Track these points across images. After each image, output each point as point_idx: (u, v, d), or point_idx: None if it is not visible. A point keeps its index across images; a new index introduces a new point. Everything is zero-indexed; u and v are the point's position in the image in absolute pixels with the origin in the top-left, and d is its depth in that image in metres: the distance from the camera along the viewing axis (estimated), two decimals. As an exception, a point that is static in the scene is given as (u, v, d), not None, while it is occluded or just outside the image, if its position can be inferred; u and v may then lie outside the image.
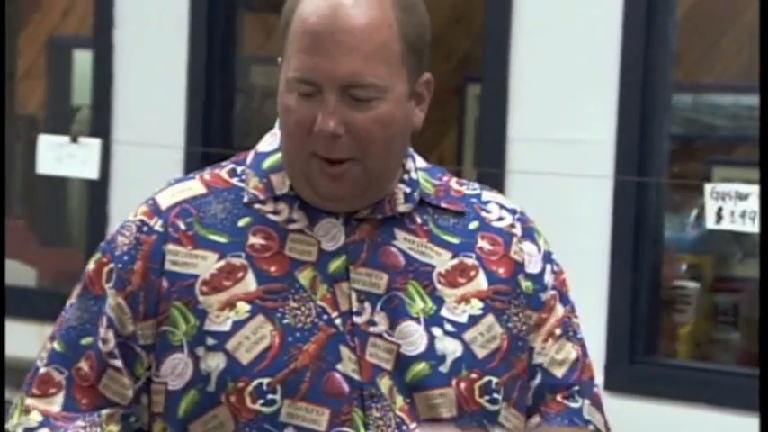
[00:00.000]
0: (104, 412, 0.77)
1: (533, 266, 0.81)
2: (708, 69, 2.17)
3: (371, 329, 0.75)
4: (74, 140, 1.81)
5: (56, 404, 0.76)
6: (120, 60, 1.89)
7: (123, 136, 1.82)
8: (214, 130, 1.80)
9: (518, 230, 0.82)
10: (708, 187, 1.63)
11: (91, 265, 0.79)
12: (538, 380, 0.79)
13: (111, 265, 0.76)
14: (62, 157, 1.81)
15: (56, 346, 0.77)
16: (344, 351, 0.74)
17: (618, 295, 1.75)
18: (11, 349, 1.94)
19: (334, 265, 0.76)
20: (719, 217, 1.62)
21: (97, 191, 1.84)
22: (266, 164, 0.79)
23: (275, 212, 0.78)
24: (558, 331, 0.81)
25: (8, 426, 0.79)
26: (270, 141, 0.81)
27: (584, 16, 1.71)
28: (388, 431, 0.76)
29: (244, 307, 0.75)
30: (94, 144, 1.79)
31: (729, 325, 2.00)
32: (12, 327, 2.00)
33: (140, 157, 1.78)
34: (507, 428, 0.79)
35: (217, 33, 1.85)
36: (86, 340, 0.76)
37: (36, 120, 2.74)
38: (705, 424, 1.73)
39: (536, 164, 1.72)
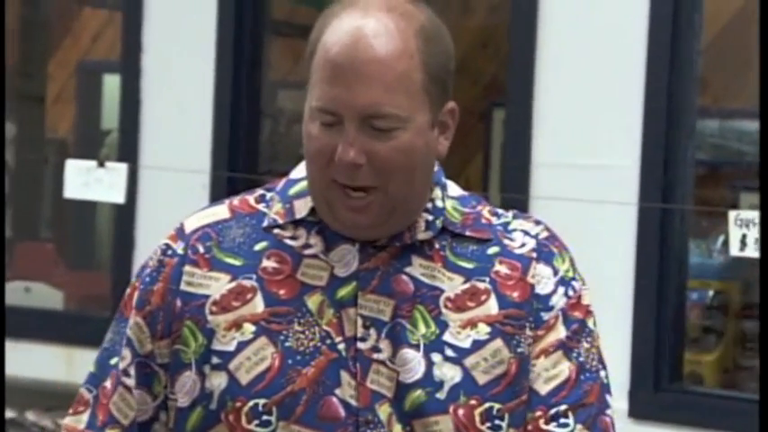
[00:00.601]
0: None
1: (543, 288, 0.78)
2: (735, 95, 2.18)
3: (375, 356, 0.74)
4: (101, 165, 1.80)
5: (82, 422, 0.77)
6: (148, 85, 1.90)
7: (150, 160, 1.83)
8: (240, 154, 1.80)
9: (536, 254, 0.80)
10: (732, 214, 1.61)
11: (128, 290, 0.80)
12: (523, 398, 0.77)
13: (139, 290, 0.77)
14: (89, 181, 1.81)
15: (92, 367, 0.80)
16: (344, 376, 0.74)
17: (642, 322, 1.72)
18: (38, 373, 1.91)
19: (344, 290, 0.75)
20: (744, 244, 1.60)
21: (124, 215, 1.85)
22: (293, 190, 0.79)
23: (293, 237, 0.78)
24: (552, 349, 0.77)
25: None
26: (301, 169, 0.80)
27: (608, 42, 1.70)
28: None
29: (249, 328, 0.75)
30: (121, 168, 1.79)
31: (756, 352, 1.89)
32: (39, 350, 2.01)
33: (167, 181, 1.78)
34: None
35: (244, 58, 1.86)
36: (113, 360, 0.77)
37: (66, 143, 2.74)
38: None
39: (560, 189, 1.69)
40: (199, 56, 1.84)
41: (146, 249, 1.51)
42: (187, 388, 0.77)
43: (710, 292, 1.90)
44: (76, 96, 2.75)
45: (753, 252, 1.63)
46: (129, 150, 1.88)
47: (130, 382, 0.77)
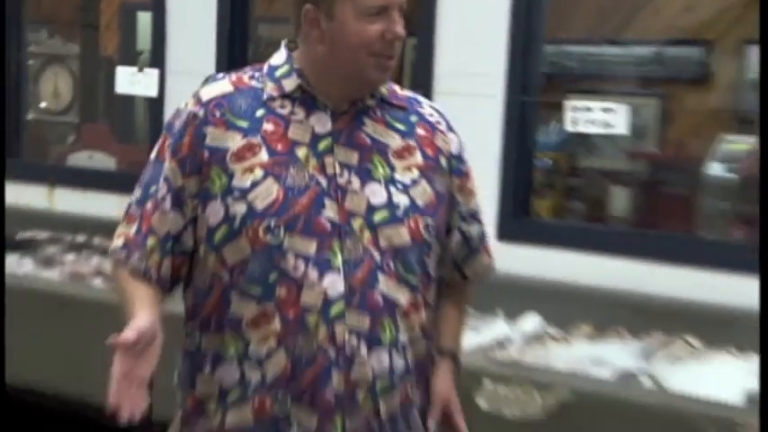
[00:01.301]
0: (149, 243, 0.97)
1: (455, 149, 1.03)
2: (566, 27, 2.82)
3: (350, 187, 0.95)
4: (140, 70, 2.50)
5: (132, 230, 0.98)
6: (172, 20, 2.53)
7: (173, 68, 2.48)
8: (235, 63, 2.37)
9: (443, 125, 1.04)
10: (568, 103, 2.21)
11: (160, 140, 1.01)
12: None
13: (170, 140, 0.98)
14: (133, 81, 2.49)
15: (136, 192, 1.01)
16: (328, 202, 0.94)
17: (507, 178, 2.24)
18: (101, 212, 2.64)
19: (323, 144, 0.96)
20: (574, 123, 2.21)
21: (156, 105, 2.51)
22: (278, 73, 0.99)
23: (282, 107, 0.97)
24: (468, 189, 1.06)
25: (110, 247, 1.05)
26: (278, 58, 1.02)
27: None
28: (356, 254, 0.96)
29: (259, 172, 0.94)
30: (154, 73, 2.47)
31: (577, 200, 2.69)
32: (99, 197, 2.69)
33: (185, 82, 2.41)
34: (433, 256, 1.03)
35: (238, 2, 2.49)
36: (152, 189, 0.97)
37: (112, 60, 3.52)
38: (556, 259, 2.23)
39: (456, 89, 2.25)
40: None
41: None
42: (215, 212, 0.95)
43: (549, 160, 2.63)
44: (119, 27, 3.54)
45: (581, 129, 2.30)
46: (158, 62, 2.52)
47: (166, 206, 0.96)
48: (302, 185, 0.97)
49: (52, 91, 3.13)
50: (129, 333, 0.85)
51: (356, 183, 0.98)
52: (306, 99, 0.99)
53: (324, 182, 0.97)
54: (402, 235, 0.97)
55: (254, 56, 2.52)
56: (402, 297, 0.98)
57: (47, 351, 2.22)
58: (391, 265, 0.98)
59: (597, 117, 2.12)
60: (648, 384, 1.84)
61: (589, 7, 3.02)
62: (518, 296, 2.22)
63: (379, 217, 0.97)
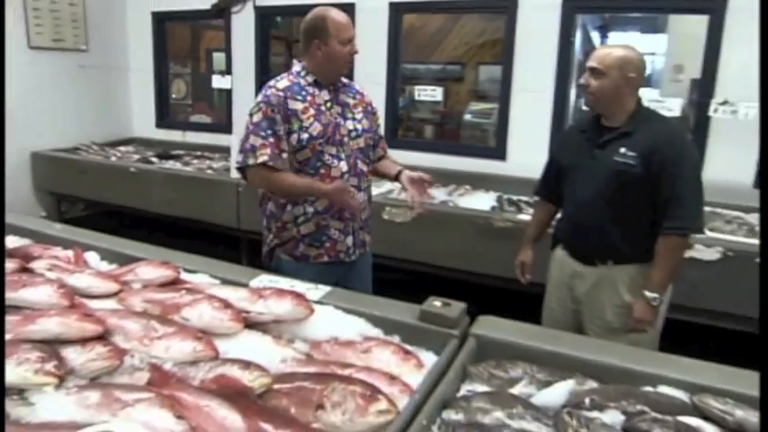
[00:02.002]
0: (284, 156, 1.98)
1: (371, 103, 2.17)
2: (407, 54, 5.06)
3: (341, 122, 2.04)
4: (222, 76, 4.58)
5: (267, 151, 1.94)
6: (235, 54, 4.70)
7: (236, 74, 4.62)
8: (262, 69, 4.57)
9: (365, 94, 2.16)
10: (412, 88, 4.50)
11: (262, 109, 1.97)
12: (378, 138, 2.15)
13: (270, 108, 1.96)
14: (219, 82, 4.57)
15: (260, 133, 1.96)
16: (336, 130, 2.04)
17: (388, 117, 4.37)
18: (206, 142, 4.78)
19: (328, 104, 2.04)
20: (416, 96, 4.47)
21: (228, 93, 4.60)
22: (302, 74, 2.05)
23: (310, 89, 2.03)
24: (378, 121, 2.17)
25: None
26: (297, 67, 2.06)
27: None
28: (349, 152, 2.07)
29: (312, 119, 2.00)
30: (228, 78, 4.59)
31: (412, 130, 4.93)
32: (203, 135, 4.73)
33: (241, 81, 4.55)
34: (372, 150, 2.16)
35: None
36: (269, 131, 1.95)
37: (205, 73, 5.71)
38: (409, 154, 3.72)
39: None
40: None
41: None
42: (293, 137, 1.98)
43: (402, 113, 4.83)
44: (206, 58, 5.75)
45: (419, 98, 4.64)
46: (228, 72, 4.68)
47: (284, 136, 1.97)
48: (326, 122, 2.01)
49: (178, 89, 5.39)
50: (340, 184, 1.94)
51: (342, 120, 2.04)
52: (317, 84, 2.03)
53: (333, 120, 2.00)
54: (360, 143, 2.07)
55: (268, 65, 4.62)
56: (365, 168, 2.08)
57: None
58: (360, 155, 2.06)
59: (427, 94, 4.30)
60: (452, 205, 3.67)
61: (414, 45, 5.48)
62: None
63: (353, 135, 2.06)
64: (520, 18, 3.57)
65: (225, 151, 3.90)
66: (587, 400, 1.16)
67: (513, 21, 3.58)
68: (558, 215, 2.25)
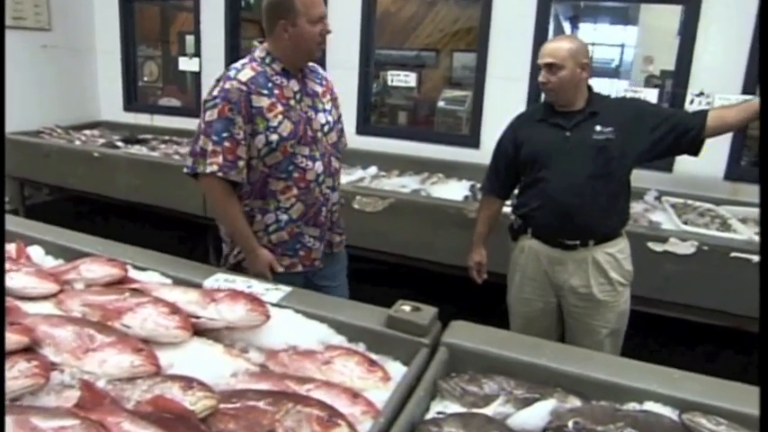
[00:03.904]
0: (240, 164, 1.65)
1: (334, 89, 1.86)
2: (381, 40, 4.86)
3: (313, 116, 1.73)
4: (190, 59, 4.32)
5: (219, 159, 1.64)
6: (204, 37, 4.42)
7: (205, 57, 4.36)
8: (230, 51, 4.34)
9: (329, 80, 1.85)
10: (386, 73, 4.29)
11: (219, 106, 1.64)
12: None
13: (230, 106, 1.63)
14: (187, 64, 4.35)
15: (212, 137, 1.63)
16: (308, 126, 1.73)
17: (360, 105, 3.88)
18: (174, 126, 4.54)
19: (297, 96, 1.71)
20: (390, 82, 4.29)
21: (197, 76, 4.37)
22: (267, 60, 1.71)
23: (276, 79, 1.69)
24: (340, 109, 1.87)
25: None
26: (260, 52, 1.73)
27: None
28: (323, 150, 1.79)
29: (280, 116, 1.66)
30: (196, 60, 4.34)
31: (385, 116, 4.76)
32: (171, 118, 4.48)
33: (210, 64, 4.32)
34: (341, 143, 1.88)
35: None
36: (225, 134, 1.63)
37: (175, 56, 5.36)
38: (382, 141, 3.67)
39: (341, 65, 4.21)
40: None
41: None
42: (259, 140, 1.66)
43: (375, 98, 4.66)
44: (178, 41, 5.44)
45: (392, 84, 4.42)
46: (198, 54, 4.41)
47: (243, 141, 1.64)
48: (297, 119, 1.70)
49: (150, 72, 5.07)
50: (273, 268, 1.73)
51: (313, 114, 1.75)
52: (285, 72, 1.71)
53: (304, 116, 1.70)
54: (333, 137, 1.82)
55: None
56: (338, 165, 1.84)
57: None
58: (333, 151, 1.80)
59: (400, 79, 4.04)
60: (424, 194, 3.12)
61: (388, 31, 5.24)
62: (366, 158, 3.61)
63: (326, 129, 1.78)
64: (495, 5, 3.39)
65: (190, 136, 3.62)
66: (571, 424, 1.01)
67: (489, 8, 3.40)
68: (524, 206, 2.12)
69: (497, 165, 2.19)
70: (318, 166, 1.77)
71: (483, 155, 3.52)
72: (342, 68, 3.81)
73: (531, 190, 2.07)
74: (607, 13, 6.86)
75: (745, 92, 2.86)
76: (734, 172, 2.98)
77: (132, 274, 1.57)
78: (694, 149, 2.00)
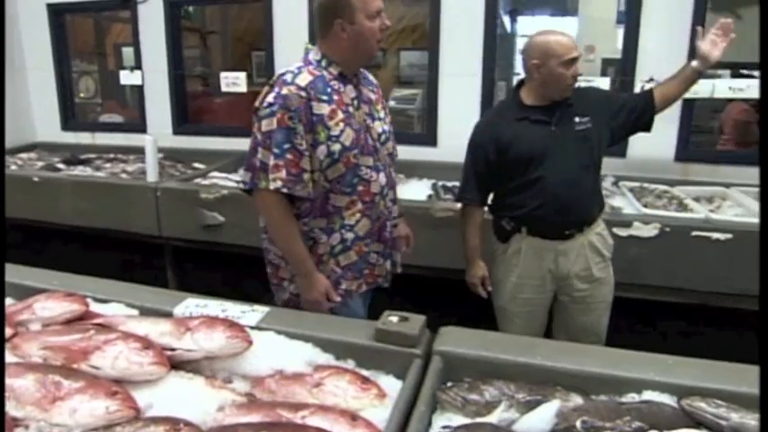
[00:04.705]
0: (305, 177, 1.52)
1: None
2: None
3: (371, 125, 1.62)
4: (131, 72, 4.09)
5: (282, 174, 1.50)
6: (144, 49, 4.18)
7: (146, 69, 4.20)
8: (175, 62, 4.18)
9: (377, 83, 1.74)
10: None
11: (277, 115, 1.48)
12: None
13: (289, 113, 1.49)
14: (128, 78, 4.11)
15: (274, 150, 1.49)
16: (368, 135, 1.61)
17: None
18: (116, 144, 4.31)
19: (355, 103, 1.61)
20: None
21: (140, 89, 4.19)
22: (323, 64, 1.59)
23: (334, 84, 1.57)
24: None
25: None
26: (315, 55, 1.60)
27: None
28: (383, 160, 1.68)
29: (342, 125, 1.54)
30: (138, 73, 4.08)
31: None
32: (113, 135, 4.27)
33: (154, 77, 4.13)
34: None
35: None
36: (286, 146, 1.49)
37: (114, 70, 5.08)
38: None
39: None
40: None
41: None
42: (321, 151, 1.53)
43: None
44: (115, 54, 5.15)
45: None
46: (138, 67, 4.15)
47: (306, 152, 1.51)
48: (358, 127, 1.59)
49: (86, 87, 4.77)
50: (330, 296, 1.60)
51: (371, 122, 1.65)
52: (342, 77, 1.60)
53: (363, 124, 1.60)
54: (390, 147, 1.74)
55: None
56: (395, 176, 1.76)
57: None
58: (390, 162, 1.72)
59: None
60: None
61: None
62: None
63: (383, 139, 1.68)
64: (444, 1, 3.38)
65: (140, 152, 3.48)
66: (578, 424, 0.99)
67: (438, 5, 3.39)
68: (518, 206, 2.09)
69: (478, 172, 2.12)
70: (382, 178, 1.67)
71: (441, 152, 3.55)
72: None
73: (529, 190, 2.04)
74: (546, 6, 7.03)
75: (689, 75, 2.96)
76: (683, 153, 3.08)
77: (94, 307, 1.46)
78: (647, 127, 2.13)
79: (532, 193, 2.03)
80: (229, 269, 3.17)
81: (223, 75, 3.84)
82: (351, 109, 1.59)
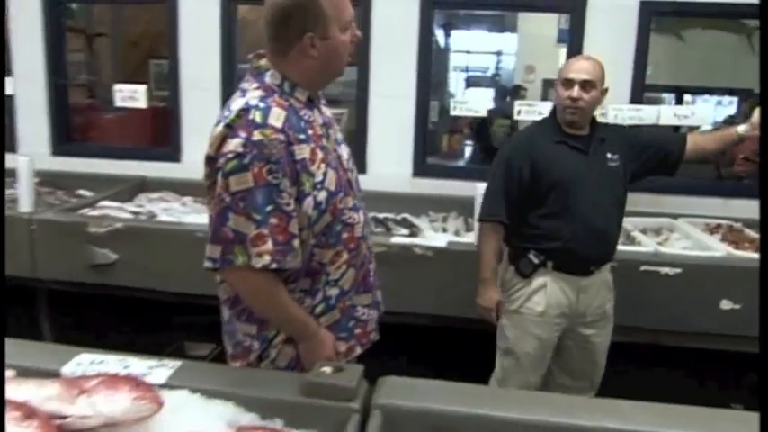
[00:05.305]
0: (295, 243, 1.42)
1: None
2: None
3: (341, 152, 1.55)
4: None
5: (269, 245, 1.37)
6: None
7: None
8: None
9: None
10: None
11: (253, 170, 1.34)
12: None
13: (269, 166, 1.34)
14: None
15: (254, 217, 1.36)
16: (341, 168, 1.53)
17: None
18: None
19: (324, 130, 1.51)
20: None
21: None
22: (287, 89, 1.45)
23: (304, 113, 1.46)
24: None
25: None
26: (274, 78, 1.45)
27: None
28: (358, 192, 1.61)
29: (323, 166, 1.45)
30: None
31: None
32: None
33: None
34: None
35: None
36: (269, 207, 1.36)
37: None
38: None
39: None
40: None
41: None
42: (308, 203, 1.42)
43: None
44: None
45: None
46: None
47: (293, 213, 1.39)
48: (334, 163, 1.51)
49: None
50: (334, 347, 1.53)
51: (339, 148, 1.57)
52: (310, 103, 1.50)
53: (335, 155, 1.53)
54: (356, 173, 1.65)
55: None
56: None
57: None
58: (359, 192, 1.64)
59: None
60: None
61: (245, 42, 5.22)
62: None
63: (350, 165, 1.61)
64: (375, 15, 3.51)
65: (9, 175, 3.30)
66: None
67: (368, 18, 3.50)
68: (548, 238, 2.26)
69: (509, 189, 2.26)
70: (361, 217, 1.60)
71: (371, 180, 3.59)
72: (199, 89, 3.76)
73: (560, 219, 2.21)
74: (483, 21, 7.43)
75: (633, 101, 3.24)
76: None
77: (-43, 368, 1.37)
78: (671, 171, 2.39)
79: (564, 222, 2.22)
80: (124, 316, 3.06)
81: (118, 87, 3.76)
82: (324, 141, 1.50)
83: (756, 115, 2.22)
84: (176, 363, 1.38)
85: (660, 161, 2.34)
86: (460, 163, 6.13)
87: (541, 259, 2.23)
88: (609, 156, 2.25)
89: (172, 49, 3.77)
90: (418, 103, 3.55)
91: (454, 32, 8.79)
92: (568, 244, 2.19)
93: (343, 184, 1.52)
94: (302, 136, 1.42)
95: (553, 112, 2.35)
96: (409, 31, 3.45)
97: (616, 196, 2.28)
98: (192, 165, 3.70)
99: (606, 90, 2.30)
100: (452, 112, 3.67)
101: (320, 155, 1.45)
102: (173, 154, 3.89)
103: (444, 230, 3.27)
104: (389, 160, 3.65)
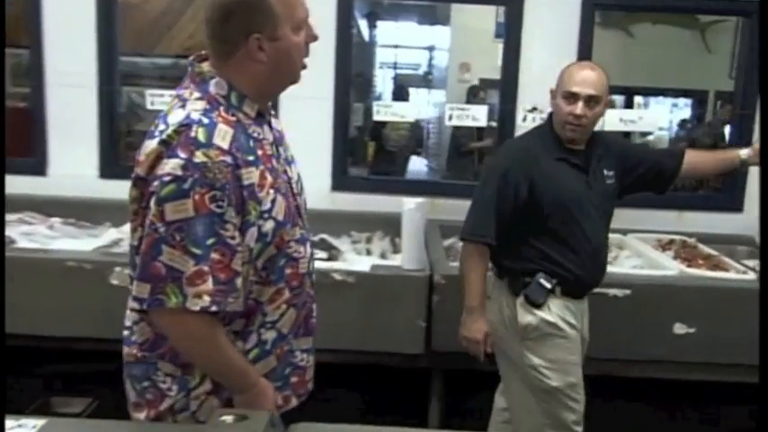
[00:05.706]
0: (238, 282, 1.38)
1: None
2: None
3: (291, 175, 1.54)
4: None
5: (209, 285, 1.34)
6: None
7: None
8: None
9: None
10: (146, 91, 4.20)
11: (194, 196, 1.31)
12: None
13: (213, 192, 1.31)
14: None
15: (192, 251, 1.33)
16: (290, 193, 1.51)
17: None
18: None
19: (274, 149, 1.50)
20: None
21: None
22: (234, 102, 1.44)
23: (253, 130, 1.45)
24: None
25: None
26: (220, 88, 1.43)
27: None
28: (306, 222, 1.59)
29: (271, 192, 1.43)
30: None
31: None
32: None
33: None
34: None
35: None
36: (210, 240, 1.34)
37: None
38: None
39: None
40: None
41: None
42: (252, 234, 1.41)
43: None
44: None
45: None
46: None
47: (237, 247, 1.37)
48: (284, 188, 1.51)
49: None
50: (275, 399, 1.52)
51: (289, 169, 1.57)
52: (259, 117, 1.50)
53: (286, 179, 1.53)
54: (304, 196, 1.66)
55: None
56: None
57: None
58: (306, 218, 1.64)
59: (164, 100, 3.54)
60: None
61: (130, 31, 5.22)
62: (116, 207, 3.12)
63: (299, 188, 1.62)
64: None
65: None
66: None
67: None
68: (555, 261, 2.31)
69: (502, 209, 2.27)
70: (308, 250, 1.59)
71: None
72: (70, 86, 3.67)
73: (565, 244, 2.29)
74: (412, 12, 7.61)
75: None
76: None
77: None
78: (662, 189, 2.50)
79: (569, 247, 2.28)
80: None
81: (-32, 82, 3.58)
82: (274, 162, 1.50)
83: (757, 139, 2.43)
84: (38, 421, 1.33)
85: (654, 177, 2.46)
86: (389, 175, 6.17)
87: (553, 284, 2.28)
88: (605, 173, 2.36)
89: (34, 36, 3.65)
90: (337, 106, 3.56)
91: (380, 24, 8.93)
92: (574, 266, 2.29)
93: (292, 213, 1.52)
94: (251, 157, 1.41)
95: (550, 122, 2.38)
96: (325, 20, 3.42)
97: (608, 214, 2.41)
98: (61, 179, 3.66)
99: (609, 101, 2.40)
100: (375, 117, 3.70)
101: (269, 179, 1.45)
102: (36, 166, 3.74)
103: (368, 252, 3.29)
104: (304, 172, 3.50)
